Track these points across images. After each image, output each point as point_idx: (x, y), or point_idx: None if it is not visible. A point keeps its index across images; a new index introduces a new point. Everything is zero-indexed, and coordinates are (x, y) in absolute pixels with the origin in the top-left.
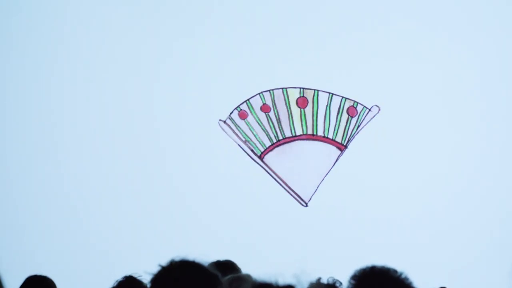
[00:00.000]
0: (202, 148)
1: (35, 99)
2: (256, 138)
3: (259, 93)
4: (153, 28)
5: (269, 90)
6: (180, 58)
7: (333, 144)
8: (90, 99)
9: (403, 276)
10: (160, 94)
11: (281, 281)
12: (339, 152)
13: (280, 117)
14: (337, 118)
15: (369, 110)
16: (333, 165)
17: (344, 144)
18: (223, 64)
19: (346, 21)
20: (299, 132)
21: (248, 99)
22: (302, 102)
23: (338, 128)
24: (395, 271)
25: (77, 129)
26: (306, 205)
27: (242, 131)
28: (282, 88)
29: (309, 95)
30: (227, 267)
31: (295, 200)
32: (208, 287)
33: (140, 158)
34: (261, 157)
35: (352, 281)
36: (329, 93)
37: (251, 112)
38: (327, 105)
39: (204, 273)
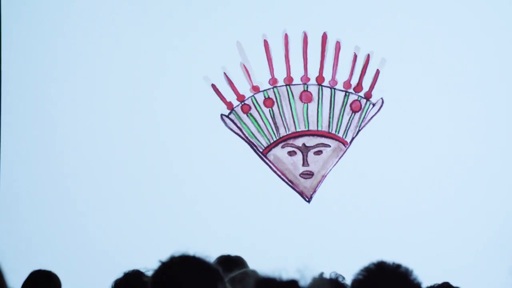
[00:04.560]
0: (205, 144)
1: (37, 98)
2: (260, 133)
3: (262, 91)
4: (155, 25)
5: (272, 87)
6: (182, 53)
7: (337, 140)
8: (91, 97)
9: (411, 272)
10: (162, 90)
11: (285, 276)
12: (343, 147)
13: (284, 112)
14: (340, 113)
15: (373, 105)
16: (337, 161)
17: (348, 140)
18: (226, 60)
19: (347, 19)
20: (302, 127)
21: (252, 95)
22: (306, 97)
23: (342, 123)
24: (404, 268)
25: (79, 128)
26: (309, 201)
27: (246, 125)
28: (285, 85)
29: (313, 90)
30: (234, 262)
31: (298, 196)
32: (209, 281)
33: (142, 154)
34: (264, 153)
35: (360, 276)
36: (333, 88)
37: (254, 106)
38: (330, 100)
39: (204, 267)
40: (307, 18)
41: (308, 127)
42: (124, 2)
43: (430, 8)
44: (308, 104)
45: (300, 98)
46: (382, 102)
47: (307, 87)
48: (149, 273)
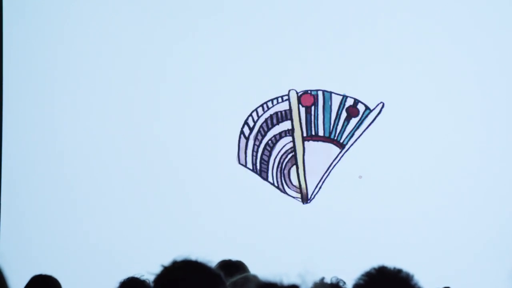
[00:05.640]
0: (204, 147)
1: (38, 99)
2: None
3: (262, 104)
4: (158, 28)
5: (271, 100)
6: (184, 59)
7: (333, 144)
8: (92, 98)
9: (412, 277)
10: (163, 94)
11: (286, 281)
12: (340, 151)
13: (282, 117)
14: (337, 117)
15: (371, 110)
16: (334, 164)
17: (344, 143)
18: (227, 66)
19: (347, 21)
20: (299, 132)
21: (255, 109)
22: (304, 101)
23: (338, 127)
24: (405, 273)
25: (80, 130)
26: (308, 202)
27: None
28: (288, 92)
29: (311, 94)
30: (235, 267)
31: (297, 200)
32: (211, 286)
33: (143, 158)
34: None
35: (360, 281)
36: (330, 92)
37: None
38: (328, 104)
39: (206, 272)
40: (308, 21)
41: (308, 133)
42: (125, 3)
43: (430, 10)
44: (306, 108)
45: (298, 102)
46: (382, 106)
47: (304, 91)
48: (144, 278)
